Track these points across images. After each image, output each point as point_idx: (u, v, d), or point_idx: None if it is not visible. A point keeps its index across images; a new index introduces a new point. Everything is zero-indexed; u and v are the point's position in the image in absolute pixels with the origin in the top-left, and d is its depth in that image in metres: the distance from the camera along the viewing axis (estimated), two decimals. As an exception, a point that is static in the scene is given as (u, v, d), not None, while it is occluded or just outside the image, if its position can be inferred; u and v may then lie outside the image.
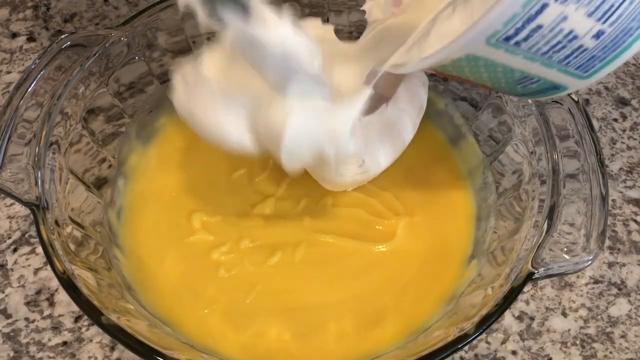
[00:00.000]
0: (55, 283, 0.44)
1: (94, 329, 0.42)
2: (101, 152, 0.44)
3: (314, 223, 0.43)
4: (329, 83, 0.37)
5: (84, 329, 0.42)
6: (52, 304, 0.43)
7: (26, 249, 0.46)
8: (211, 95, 0.37)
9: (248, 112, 0.37)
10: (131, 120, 0.47)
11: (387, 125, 0.45)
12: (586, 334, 0.43)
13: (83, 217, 0.41)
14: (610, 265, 0.46)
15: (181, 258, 0.43)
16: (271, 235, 0.43)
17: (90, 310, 0.34)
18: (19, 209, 0.48)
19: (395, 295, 0.41)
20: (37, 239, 0.41)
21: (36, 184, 0.37)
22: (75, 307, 0.43)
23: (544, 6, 0.28)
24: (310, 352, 0.39)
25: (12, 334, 0.42)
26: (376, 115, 0.44)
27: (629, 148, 0.52)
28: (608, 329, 0.43)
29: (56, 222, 0.37)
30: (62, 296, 0.43)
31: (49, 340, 0.42)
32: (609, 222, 0.48)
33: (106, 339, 0.42)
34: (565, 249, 0.36)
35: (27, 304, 0.43)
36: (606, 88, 0.56)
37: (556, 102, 0.41)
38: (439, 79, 0.48)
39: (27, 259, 0.45)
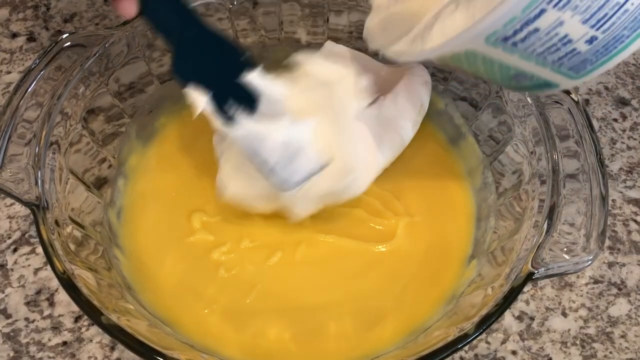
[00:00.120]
0: (55, 283, 0.44)
1: (94, 329, 0.42)
2: (101, 152, 0.44)
3: (314, 223, 0.43)
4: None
5: (84, 329, 0.42)
6: (52, 304, 0.43)
7: (26, 249, 0.46)
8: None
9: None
10: (131, 120, 0.47)
11: (385, 123, 0.45)
12: (586, 334, 0.43)
13: (83, 217, 0.41)
14: (610, 265, 0.46)
15: (181, 258, 0.43)
16: (271, 235, 0.43)
17: (90, 310, 0.34)
18: (19, 209, 0.48)
19: (395, 295, 0.41)
20: (37, 239, 0.41)
21: (36, 184, 0.37)
22: (75, 307, 0.43)
23: (542, 11, 0.29)
24: (310, 352, 0.39)
25: (12, 334, 0.42)
26: (374, 111, 0.44)
27: (629, 148, 0.52)
28: (608, 329, 0.43)
29: (56, 222, 0.37)
30: (62, 296, 0.43)
31: (49, 340, 0.42)
32: (609, 222, 0.48)
33: (106, 339, 0.42)
34: (565, 249, 0.36)
35: (27, 304, 0.43)
36: (606, 88, 0.56)
37: (556, 102, 0.41)
38: (439, 78, 0.49)
39: (27, 259, 0.45)
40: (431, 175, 0.47)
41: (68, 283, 0.34)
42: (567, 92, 0.41)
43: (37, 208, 0.37)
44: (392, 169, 0.46)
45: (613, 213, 0.49)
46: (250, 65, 0.38)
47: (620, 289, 0.45)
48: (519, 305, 0.44)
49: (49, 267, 0.41)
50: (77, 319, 0.43)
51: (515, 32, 0.30)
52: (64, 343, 0.42)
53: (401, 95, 0.45)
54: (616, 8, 0.30)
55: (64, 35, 0.43)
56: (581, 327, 0.43)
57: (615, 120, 0.54)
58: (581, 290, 0.45)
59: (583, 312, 0.44)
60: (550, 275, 0.35)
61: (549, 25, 0.30)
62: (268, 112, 0.38)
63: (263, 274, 0.42)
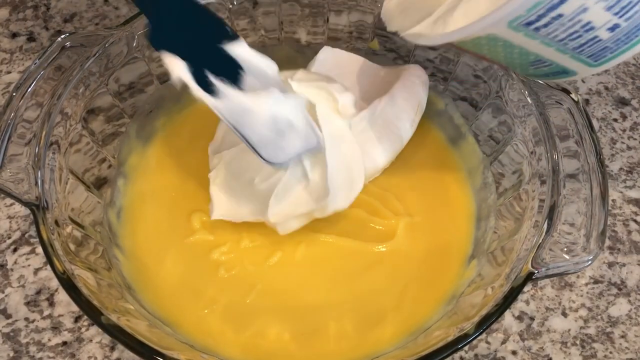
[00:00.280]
0: (55, 283, 0.44)
1: (94, 329, 0.42)
2: (101, 152, 0.44)
3: (314, 223, 0.43)
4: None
5: (84, 329, 0.42)
6: (52, 304, 0.43)
7: (26, 249, 0.46)
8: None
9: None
10: (131, 120, 0.47)
11: (384, 123, 0.45)
12: (586, 334, 0.43)
13: (83, 217, 0.41)
14: (610, 265, 0.46)
15: (181, 258, 0.43)
16: (271, 235, 0.43)
17: (90, 310, 0.34)
18: (19, 209, 0.48)
19: (395, 295, 0.41)
20: (37, 239, 0.41)
21: (36, 184, 0.37)
22: (75, 307, 0.43)
23: None
24: (310, 352, 0.39)
25: (12, 334, 0.42)
26: (371, 111, 0.44)
27: (629, 148, 0.52)
28: (608, 329, 0.43)
29: (56, 222, 0.37)
30: (62, 296, 0.43)
31: (49, 340, 0.42)
32: (609, 222, 0.48)
33: (106, 339, 0.42)
34: (565, 249, 0.36)
35: (27, 304, 0.43)
36: (606, 88, 0.56)
37: (556, 102, 0.41)
38: (439, 78, 0.49)
39: (27, 259, 0.45)
40: (431, 175, 0.47)
41: (68, 283, 0.34)
42: (567, 92, 0.41)
43: (37, 208, 0.37)
44: (392, 169, 0.46)
45: (613, 213, 0.49)
46: (233, 36, 0.36)
47: (620, 289, 0.45)
48: (519, 305, 0.44)
49: (49, 267, 0.41)
50: (77, 319, 0.43)
51: (539, 17, 0.30)
52: (64, 343, 0.42)
53: (399, 95, 0.45)
54: None
55: (64, 35, 0.43)
56: (581, 327, 0.43)
57: (615, 120, 0.54)
58: (581, 290, 0.45)
59: (583, 312, 0.44)
60: (550, 275, 0.35)
61: (573, 11, 0.30)
62: (255, 85, 0.36)
63: (263, 274, 0.42)
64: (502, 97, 0.44)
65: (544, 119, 0.40)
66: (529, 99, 0.42)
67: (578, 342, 0.43)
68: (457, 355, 0.42)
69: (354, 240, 0.43)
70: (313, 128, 0.39)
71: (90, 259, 0.39)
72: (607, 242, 0.47)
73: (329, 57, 0.48)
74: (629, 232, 0.48)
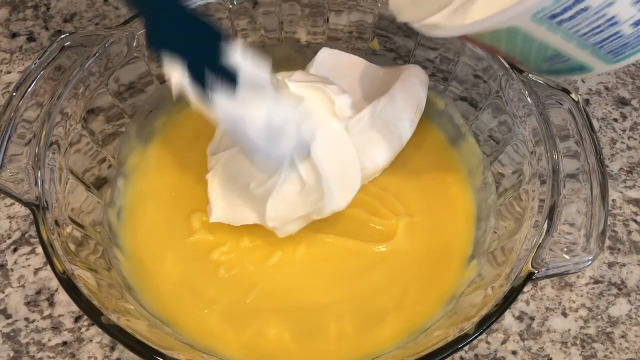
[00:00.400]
0: (55, 283, 0.44)
1: (94, 329, 0.42)
2: (101, 152, 0.44)
3: (314, 223, 0.43)
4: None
5: (84, 329, 0.42)
6: (52, 304, 0.43)
7: (26, 249, 0.46)
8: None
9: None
10: (131, 120, 0.47)
11: (383, 123, 0.45)
12: (586, 334, 0.43)
13: (83, 217, 0.41)
14: (610, 265, 0.46)
15: (181, 258, 0.43)
16: (271, 236, 0.43)
17: (90, 310, 0.34)
18: (19, 209, 0.48)
19: (395, 295, 0.41)
20: (37, 239, 0.41)
21: (36, 184, 0.37)
22: (75, 307, 0.43)
23: None
24: (310, 352, 0.39)
25: (12, 334, 0.42)
26: (370, 111, 0.44)
27: (629, 148, 0.52)
28: (608, 329, 0.43)
29: (56, 222, 0.37)
30: (62, 296, 0.43)
31: (49, 340, 0.42)
32: (609, 222, 0.48)
33: (106, 339, 0.42)
34: (565, 249, 0.36)
35: (27, 304, 0.43)
36: (606, 88, 0.56)
37: (556, 102, 0.41)
38: (439, 78, 0.49)
39: (27, 259, 0.45)
40: (431, 175, 0.47)
41: (68, 283, 0.34)
42: (567, 92, 0.41)
43: (37, 208, 0.37)
44: (392, 169, 0.46)
45: (613, 213, 0.49)
46: (227, 41, 0.36)
47: (620, 289, 0.45)
48: (519, 305, 0.44)
49: (49, 267, 0.41)
50: (77, 319, 0.43)
51: (565, 10, 0.30)
52: (64, 343, 0.42)
53: (398, 95, 0.45)
54: None
55: (64, 35, 0.43)
56: (581, 327, 0.43)
57: (615, 120, 0.54)
58: (581, 290, 0.45)
59: (583, 312, 0.44)
60: (550, 275, 0.35)
61: (599, 5, 0.30)
62: (249, 90, 0.36)
63: (263, 273, 0.42)
64: (502, 97, 0.44)
65: (544, 119, 0.40)
66: (529, 99, 0.42)
67: (578, 342, 0.43)
68: (457, 355, 0.42)
69: (354, 240, 0.43)
70: (303, 130, 0.40)
71: (90, 259, 0.39)
72: (607, 242, 0.47)
73: (327, 57, 0.48)
74: (629, 232, 0.48)
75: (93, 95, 0.43)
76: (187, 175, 0.46)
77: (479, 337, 0.40)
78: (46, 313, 0.43)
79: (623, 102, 0.55)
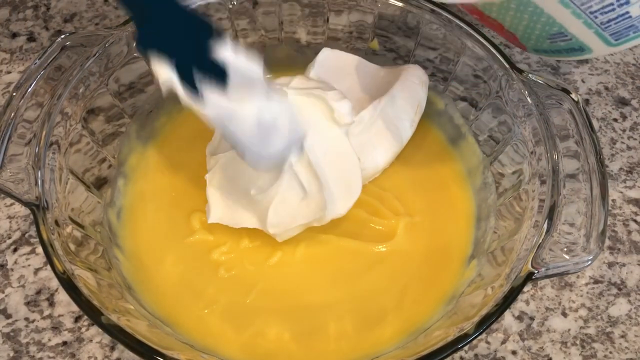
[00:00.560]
0: (55, 283, 0.44)
1: (94, 329, 0.42)
2: (101, 152, 0.44)
3: (313, 223, 0.43)
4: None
5: (84, 329, 0.42)
6: (52, 304, 0.43)
7: (26, 249, 0.46)
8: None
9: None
10: (131, 120, 0.47)
11: (383, 123, 0.45)
12: (586, 334, 0.43)
13: (83, 217, 0.41)
14: (610, 265, 0.46)
15: (181, 258, 0.43)
16: (271, 236, 0.43)
17: (90, 310, 0.34)
18: (19, 209, 0.48)
19: (395, 295, 0.41)
20: (37, 239, 0.41)
21: (36, 184, 0.37)
22: (75, 307, 0.43)
23: None
24: (310, 352, 0.39)
25: (12, 334, 0.42)
26: (370, 112, 0.44)
27: (629, 148, 0.52)
28: (608, 329, 0.43)
29: (56, 222, 0.37)
30: (62, 296, 0.43)
31: (49, 340, 0.42)
32: (609, 222, 0.48)
33: (106, 339, 0.42)
34: (565, 249, 0.36)
35: (27, 304, 0.43)
36: (606, 88, 0.56)
37: (556, 102, 0.41)
38: (439, 78, 0.49)
39: (27, 259, 0.45)
40: (431, 176, 0.47)
41: (68, 283, 0.34)
42: (567, 92, 0.41)
43: (37, 208, 0.37)
44: (392, 169, 0.46)
45: (613, 213, 0.49)
46: (218, 37, 0.35)
47: (620, 289, 0.45)
48: (519, 305, 0.44)
49: (49, 267, 0.41)
50: (77, 319, 0.43)
51: None
52: (64, 343, 0.42)
53: (398, 95, 0.45)
54: None
55: (64, 35, 0.43)
56: (581, 327, 0.43)
57: (615, 120, 0.54)
58: (581, 290, 0.45)
59: (583, 312, 0.44)
60: (550, 275, 0.35)
61: None
62: (239, 87, 0.36)
63: (263, 273, 0.42)
64: (502, 97, 0.44)
65: (544, 119, 0.40)
66: (529, 99, 0.42)
67: (578, 342, 0.43)
68: (457, 355, 0.42)
69: (354, 240, 0.43)
70: (296, 127, 0.39)
71: (90, 259, 0.39)
72: (607, 242, 0.47)
73: (328, 58, 0.48)
74: (629, 232, 0.48)
75: (93, 95, 0.43)
76: (187, 175, 0.46)
77: (479, 337, 0.40)
78: (46, 313, 0.43)
79: (623, 102, 0.55)
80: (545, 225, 0.37)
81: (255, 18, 0.49)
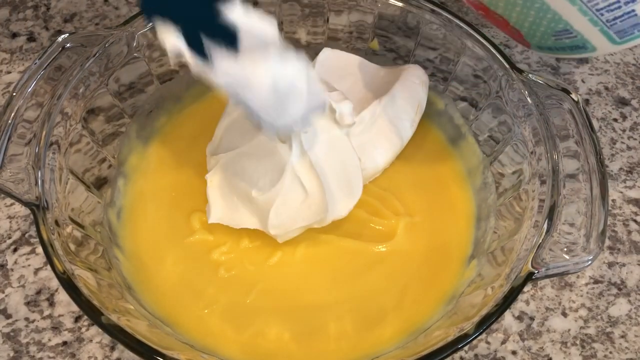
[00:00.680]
0: (55, 283, 0.44)
1: (94, 329, 0.42)
2: (101, 152, 0.44)
3: (314, 223, 0.43)
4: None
5: (84, 329, 0.42)
6: (52, 304, 0.43)
7: (26, 249, 0.46)
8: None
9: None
10: (131, 120, 0.47)
11: (384, 123, 0.45)
12: (586, 334, 0.43)
13: (83, 217, 0.41)
14: (610, 265, 0.46)
15: (181, 258, 0.43)
16: (271, 236, 0.43)
17: (90, 310, 0.34)
18: (19, 209, 0.48)
19: (395, 295, 0.41)
20: (37, 239, 0.41)
21: (36, 184, 0.37)
22: (75, 307, 0.43)
23: None
24: (310, 352, 0.39)
25: (12, 334, 0.42)
26: (371, 112, 0.44)
27: (629, 148, 0.52)
28: (608, 329, 0.43)
29: (56, 222, 0.37)
30: (62, 296, 0.43)
31: (49, 340, 0.42)
32: (609, 222, 0.48)
33: (106, 339, 0.42)
34: (565, 249, 0.36)
35: (27, 304, 0.43)
36: (606, 88, 0.56)
37: (556, 102, 0.41)
38: (439, 78, 0.49)
39: (27, 259, 0.45)
40: (431, 175, 0.47)
41: (68, 283, 0.34)
42: (567, 92, 0.41)
43: (37, 208, 0.37)
44: (392, 169, 0.46)
45: (613, 213, 0.49)
46: None
47: (620, 289, 0.45)
48: (519, 305, 0.44)
49: (49, 267, 0.41)
50: (77, 319, 0.43)
51: None
52: (64, 343, 0.42)
53: (399, 95, 0.45)
54: None
55: (64, 35, 0.43)
56: (581, 327, 0.43)
57: (615, 120, 0.54)
58: (581, 290, 0.45)
59: (583, 312, 0.44)
60: (550, 275, 0.35)
61: None
62: (250, 49, 0.34)
63: (263, 273, 0.42)
64: (502, 97, 0.44)
65: (544, 119, 0.40)
66: (529, 99, 0.42)
67: (578, 342, 0.43)
68: (457, 355, 0.42)
69: (354, 240, 0.43)
70: (316, 87, 0.37)
71: (90, 259, 0.39)
72: (607, 242, 0.47)
73: (328, 58, 0.48)
74: (629, 232, 0.48)
75: (93, 95, 0.43)
76: (187, 175, 0.46)
77: (479, 337, 0.40)
78: (46, 313, 0.43)
79: (623, 102, 0.55)
80: (545, 225, 0.37)
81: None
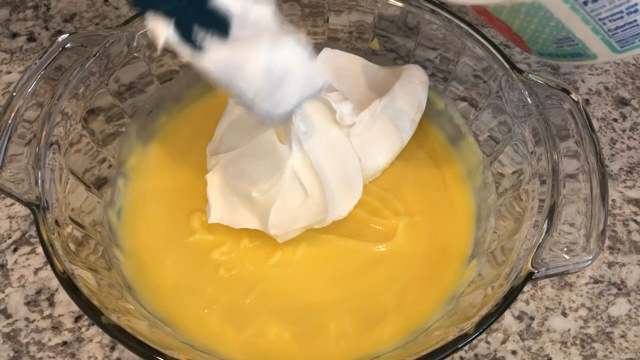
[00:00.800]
0: (55, 283, 0.44)
1: (94, 329, 0.42)
2: (101, 152, 0.44)
3: (314, 223, 0.43)
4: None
5: (84, 329, 0.42)
6: (52, 304, 0.43)
7: (26, 249, 0.46)
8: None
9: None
10: (131, 120, 0.47)
11: (384, 123, 0.45)
12: (586, 334, 0.43)
13: (83, 217, 0.41)
14: (610, 265, 0.46)
15: (181, 258, 0.43)
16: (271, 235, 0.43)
17: (90, 310, 0.34)
18: (19, 209, 0.48)
19: (395, 295, 0.41)
20: (37, 239, 0.41)
21: (36, 184, 0.37)
22: (75, 307, 0.43)
23: None
24: (310, 352, 0.39)
25: (12, 334, 0.42)
26: (371, 112, 0.44)
27: (629, 148, 0.52)
28: (608, 329, 0.43)
29: (56, 222, 0.37)
30: (62, 296, 0.43)
31: (49, 340, 0.42)
32: (609, 222, 0.48)
33: (106, 339, 0.42)
34: (565, 249, 0.36)
35: (27, 304, 0.43)
36: (606, 88, 0.56)
37: (556, 102, 0.41)
38: (439, 78, 0.49)
39: (27, 259, 0.45)
40: (431, 175, 0.47)
41: (68, 283, 0.34)
42: (567, 92, 0.41)
43: (37, 208, 0.37)
44: (392, 169, 0.46)
45: (613, 213, 0.49)
46: None
47: (620, 289, 0.45)
48: (519, 305, 0.44)
49: (49, 267, 0.41)
50: (77, 319, 0.43)
51: None
52: (64, 343, 0.42)
53: (398, 95, 0.45)
54: None
55: (64, 35, 0.43)
56: (581, 327, 0.43)
57: (615, 120, 0.54)
58: (581, 290, 0.45)
59: (583, 312, 0.44)
60: (550, 275, 0.35)
61: None
62: (244, 35, 0.33)
63: (263, 274, 0.42)
64: (502, 97, 0.44)
65: (544, 119, 0.40)
66: (529, 99, 0.42)
67: (578, 342, 0.43)
68: (457, 355, 0.42)
69: (354, 240, 0.43)
70: (313, 70, 0.36)
71: (91, 259, 0.39)
72: (607, 242, 0.47)
73: (329, 58, 0.48)
74: (629, 232, 0.48)
75: (93, 95, 0.43)
76: (187, 175, 0.46)
77: (479, 337, 0.40)
78: (46, 313, 0.43)
79: (623, 102, 0.55)
80: (545, 225, 0.37)
81: (255, 18, 0.49)
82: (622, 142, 0.53)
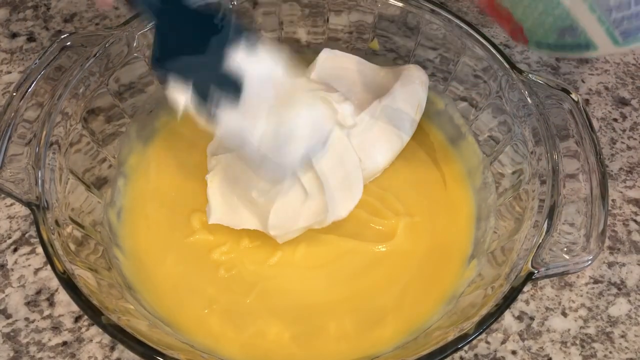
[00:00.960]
0: (55, 283, 0.44)
1: (94, 329, 0.42)
2: (101, 152, 0.44)
3: (314, 223, 0.43)
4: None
5: (84, 329, 0.42)
6: (52, 304, 0.43)
7: (26, 249, 0.46)
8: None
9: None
10: (131, 120, 0.47)
11: (384, 124, 0.45)
12: (586, 334, 0.43)
13: (83, 217, 0.41)
14: (610, 265, 0.46)
15: (181, 258, 0.43)
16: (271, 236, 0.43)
17: (90, 310, 0.34)
18: (19, 209, 0.48)
19: (395, 295, 0.41)
20: (37, 239, 0.41)
21: (36, 184, 0.37)
22: (75, 307, 0.43)
23: None
24: (310, 352, 0.39)
25: (12, 334, 0.42)
26: (371, 112, 0.44)
27: (629, 148, 0.52)
28: (608, 329, 0.43)
29: (56, 222, 0.37)
30: (62, 296, 0.43)
31: (49, 340, 0.42)
32: (609, 222, 0.48)
33: (106, 339, 0.42)
34: (565, 249, 0.36)
35: (27, 304, 0.43)
36: (606, 88, 0.56)
37: (556, 102, 0.41)
38: (439, 78, 0.49)
39: (27, 259, 0.45)
40: (431, 176, 0.47)
41: (68, 283, 0.34)
42: (567, 92, 0.41)
43: (37, 208, 0.37)
44: (392, 169, 0.46)
45: (613, 213, 0.49)
46: (234, 38, 0.35)
47: (620, 289, 0.45)
48: (519, 305, 0.44)
49: (49, 267, 0.41)
50: (77, 319, 0.43)
51: None
52: (64, 343, 0.42)
53: (398, 95, 0.45)
54: None
55: (64, 35, 0.43)
56: (581, 327, 0.43)
57: (615, 120, 0.54)
58: (581, 290, 0.45)
59: (583, 312, 0.44)
60: (550, 275, 0.35)
61: None
62: (254, 99, 0.36)
63: (263, 274, 0.42)
64: (502, 97, 0.44)
65: (544, 119, 0.40)
66: (529, 99, 0.42)
67: (578, 342, 0.43)
68: (457, 355, 0.42)
69: (354, 240, 0.43)
70: (319, 129, 0.39)
71: (91, 259, 0.39)
72: (607, 242, 0.47)
73: (328, 58, 0.48)
74: (629, 232, 0.48)
75: (93, 95, 0.43)
76: (187, 175, 0.46)
77: (479, 337, 0.40)
78: (46, 313, 0.43)
79: (623, 102, 0.55)
80: (545, 225, 0.37)
81: (255, 18, 0.49)
82: (622, 142, 0.53)
